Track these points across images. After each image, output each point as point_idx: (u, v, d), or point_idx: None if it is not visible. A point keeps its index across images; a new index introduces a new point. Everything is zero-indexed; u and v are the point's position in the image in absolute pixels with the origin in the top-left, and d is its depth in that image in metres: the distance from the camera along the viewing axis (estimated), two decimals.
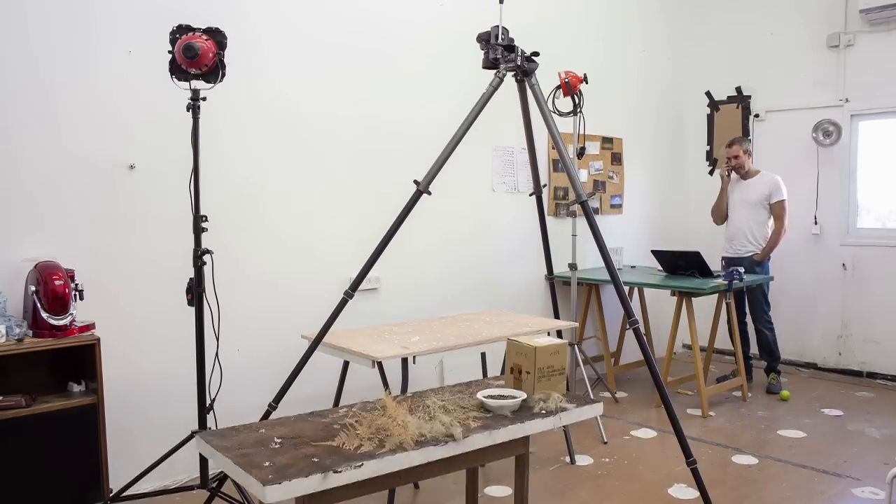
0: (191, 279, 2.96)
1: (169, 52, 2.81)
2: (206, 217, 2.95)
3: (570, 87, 4.20)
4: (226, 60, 2.86)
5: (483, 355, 3.92)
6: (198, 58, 2.75)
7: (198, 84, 2.87)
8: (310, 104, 3.85)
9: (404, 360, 2.99)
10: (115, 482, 3.02)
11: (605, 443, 3.97)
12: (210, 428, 3.12)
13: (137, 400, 3.31)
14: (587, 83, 4.34)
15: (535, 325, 3.52)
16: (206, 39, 2.79)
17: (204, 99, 2.94)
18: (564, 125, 4.98)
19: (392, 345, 3.07)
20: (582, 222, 4.66)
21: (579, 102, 4.26)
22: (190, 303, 2.95)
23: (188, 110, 2.88)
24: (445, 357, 3.15)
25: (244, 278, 3.63)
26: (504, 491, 3.34)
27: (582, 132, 4.34)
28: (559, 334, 4.33)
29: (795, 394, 4.98)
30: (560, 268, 5.11)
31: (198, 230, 3.01)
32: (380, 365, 3.05)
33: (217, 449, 1.96)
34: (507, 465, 3.65)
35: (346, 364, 3.34)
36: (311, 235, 3.88)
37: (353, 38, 4.00)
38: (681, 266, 4.85)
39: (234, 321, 3.52)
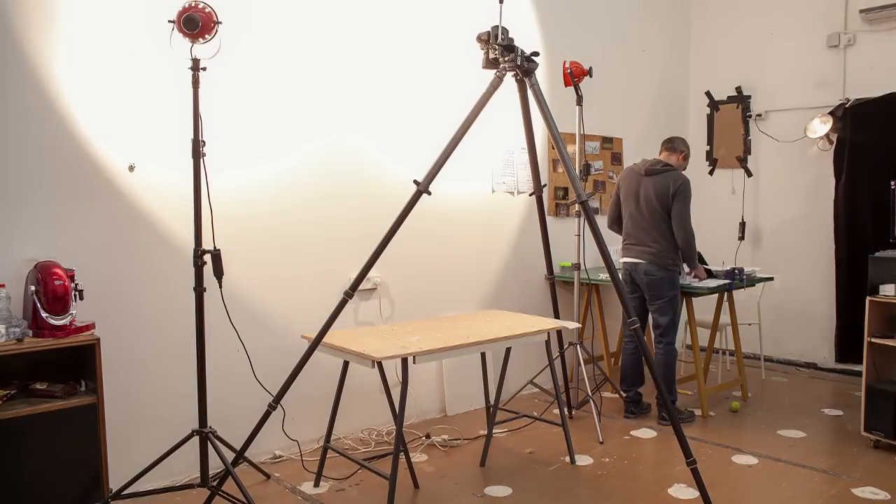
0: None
1: (170, 21, 2.90)
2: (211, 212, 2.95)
3: (572, 76, 4.19)
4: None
5: (483, 355, 3.93)
6: (199, 29, 2.82)
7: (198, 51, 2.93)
8: (309, 102, 3.85)
9: (404, 361, 2.99)
10: (115, 481, 3.02)
11: (602, 442, 3.97)
12: (210, 427, 3.12)
13: (137, 400, 3.31)
14: (591, 77, 4.33)
15: (536, 325, 3.52)
16: (206, 10, 2.86)
17: (204, 69, 2.95)
18: (564, 125, 4.98)
19: (392, 345, 3.07)
20: (584, 222, 4.65)
21: (581, 96, 4.25)
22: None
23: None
24: (445, 357, 3.15)
25: (244, 277, 3.63)
26: (504, 491, 3.34)
27: (582, 133, 4.33)
28: (559, 334, 4.35)
29: (796, 394, 4.98)
30: (558, 268, 5.12)
31: (198, 230, 3.01)
32: (379, 365, 3.06)
33: None
34: (507, 465, 3.65)
35: (346, 364, 3.34)
36: (311, 234, 3.88)
37: (354, 37, 4.00)
38: None
39: (234, 320, 3.52)
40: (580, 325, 4.27)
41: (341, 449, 3.50)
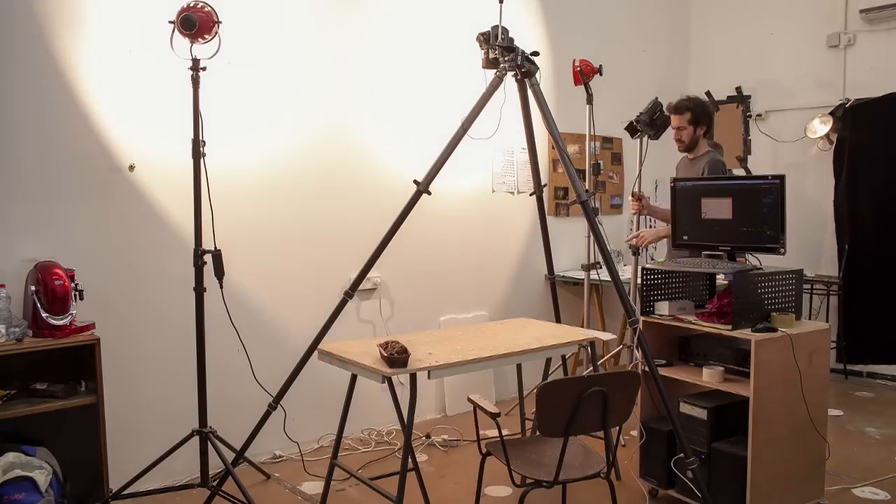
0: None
1: (170, 22, 2.89)
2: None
3: (582, 75, 4.18)
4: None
5: (519, 367, 3.77)
6: (197, 29, 2.82)
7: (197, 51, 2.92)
8: (308, 102, 3.85)
9: (412, 377, 2.71)
10: (116, 481, 3.02)
11: None
12: (210, 427, 3.12)
13: (137, 400, 3.30)
14: (602, 75, 4.32)
15: (566, 336, 3.17)
16: (205, 10, 2.86)
17: (204, 69, 2.95)
18: (567, 125, 4.98)
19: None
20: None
21: (591, 94, 4.23)
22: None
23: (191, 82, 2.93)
24: (462, 372, 2.86)
25: (244, 278, 3.63)
26: (504, 491, 3.34)
27: (593, 132, 4.33)
28: (592, 346, 3.93)
29: None
30: (559, 268, 5.11)
31: (198, 230, 3.01)
32: (389, 381, 2.83)
33: None
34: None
35: (353, 377, 3.18)
36: (311, 235, 3.88)
37: (354, 36, 4.00)
38: None
39: (234, 320, 3.52)
40: (614, 336, 4.14)
41: (346, 465, 3.45)
